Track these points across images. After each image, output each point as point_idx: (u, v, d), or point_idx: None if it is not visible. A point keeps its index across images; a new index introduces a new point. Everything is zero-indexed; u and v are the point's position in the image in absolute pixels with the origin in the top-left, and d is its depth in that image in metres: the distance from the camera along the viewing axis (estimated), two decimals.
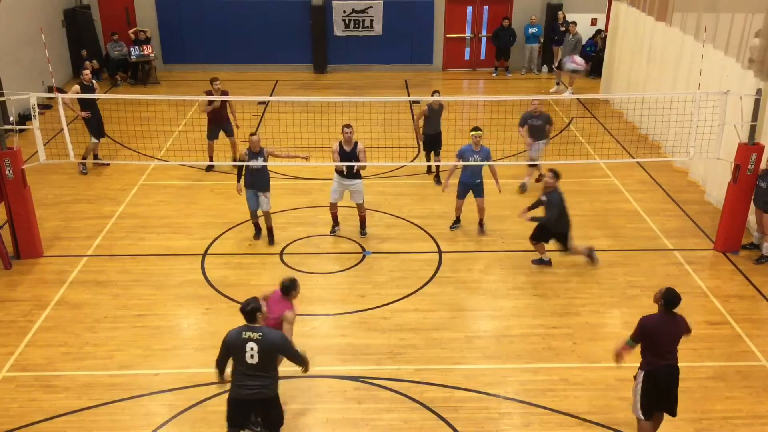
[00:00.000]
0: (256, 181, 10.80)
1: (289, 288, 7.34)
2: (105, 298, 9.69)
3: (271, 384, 6.47)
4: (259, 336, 6.29)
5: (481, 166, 11.25)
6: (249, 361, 6.27)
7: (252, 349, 6.25)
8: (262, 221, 11.27)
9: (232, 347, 6.38)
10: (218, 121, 13.81)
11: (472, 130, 11.18)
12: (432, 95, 13.07)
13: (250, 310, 6.38)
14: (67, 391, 7.95)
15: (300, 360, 6.76)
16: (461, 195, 11.38)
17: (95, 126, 13.61)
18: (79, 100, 13.13)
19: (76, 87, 13.14)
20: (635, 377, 6.90)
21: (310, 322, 9.26)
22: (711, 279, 10.23)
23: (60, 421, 7.52)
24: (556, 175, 10.07)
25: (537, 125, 12.81)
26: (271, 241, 11.17)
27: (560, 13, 20.04)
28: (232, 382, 6.48)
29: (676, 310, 6.71)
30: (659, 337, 6.67)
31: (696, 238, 11.35)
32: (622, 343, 6.92)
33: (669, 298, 6.65)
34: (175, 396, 7.92)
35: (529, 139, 12.95)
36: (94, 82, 13.73)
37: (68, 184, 13.29)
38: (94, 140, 13.61)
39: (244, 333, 6.32)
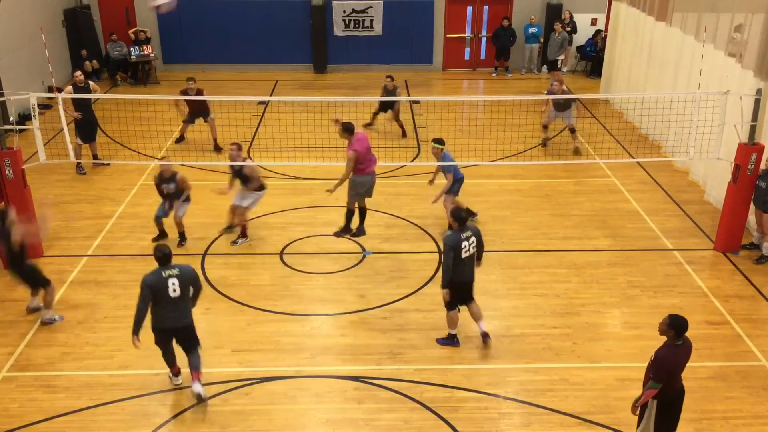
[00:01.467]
0: (171, 200, 10.96)
1: (353, 128, 9.72)
2: (105, 298, 9.69)
3: (189, 312, 7.59)
4: (177, 272, 7.34)
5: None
6: (172, 295, 7.30)
7: (174, 284, 7.28)
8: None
9: (155, 288, 7.26)
10: (195, 111, 14.75)
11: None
12: (386, 78, 15.30)
13: (168, 253, 7.39)
14: (67, 391, 7.95)
15: (199, 294, 7.78)
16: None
17: (83, 128, 13.56)
18: (73, 101, 13.11)
19: (69, 88, 13.14)
20: (643, 406, 6.61)
21: (310, 321, 9.26)
22: (711, 279, 10.23)
23: (60, 421, 7.52)
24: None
25: (559, 102, 13.86)
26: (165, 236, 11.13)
27: (566, 12, 20.03)
28: (154, 316, 7.41)
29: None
30: (676, 369, 6.44)
31: (696, 238, 11.35)
32: (644, 391, 6.49)
33: (678, 325, 6.30)
34: (175, 396, 7.92)
35: (553, 111, 14.48)
36: (90, 83, 13.70)
37: (68, 184, 13.29)
38: (78, 141, 13.55)
39: (163, 272, 7.31)
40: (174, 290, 7.30)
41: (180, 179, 10.85)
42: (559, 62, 18.72)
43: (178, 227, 11.08)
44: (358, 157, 9.99)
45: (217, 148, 14.94)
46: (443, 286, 8.32)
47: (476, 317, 8.68)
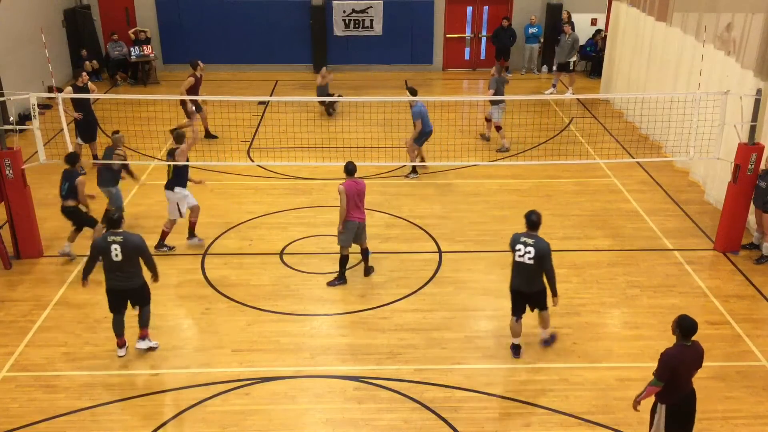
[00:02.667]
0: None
1: (354, 170, 9.66)
2: (105, 298, 9.65)
3: (136, 277, 8.14)
4: (121, 239, 7.89)
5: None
6: (114, 259, 7.91)
7: (116, 249, 7.87)
8: None
9: (99, 250, 7.99)
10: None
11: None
12: (321, 69, 17.02)
13: (117, 218, 7.97)
14: (67, 391, 7.95)
15: (152, 263, 8.26)
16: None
17: (83, 128, 13.56)
18: (73, 101, 13.10)
19: (69, 88, 13.13)
20: (653, 410, 6.60)
21: (310, 321, 9.26)
22: (711, 279, 10.23)
23: (60, 421, 7.52)
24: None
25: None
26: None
27: (565, 12, 20.03)
28: (105, 278, 8.11)
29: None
30: (682, 369, 6.29)
31: (696, 238, 11.35)
32: (646, 387, 6.44)
33: (685, 327, 6.22)
34: (175, 396, 7.92)
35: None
36: (89, 83, 13.71)
37: None
38: (79, 141, 13.56)
39: (108, 237, 7.91)
40: (116, 255, 7.90)
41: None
42: (571, 64, 18.67)
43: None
44: (345, 197, 9.50)
45: (210, 136, 15.35)
46: None
47: (540, 324, 8.58)
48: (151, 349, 8.58)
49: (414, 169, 13.56)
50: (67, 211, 10.46)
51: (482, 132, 15.65)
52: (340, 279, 10.06)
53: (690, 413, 6.56)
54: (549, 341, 8.70)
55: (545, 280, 8.13)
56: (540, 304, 8.33)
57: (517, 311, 8.35)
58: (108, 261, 7.98)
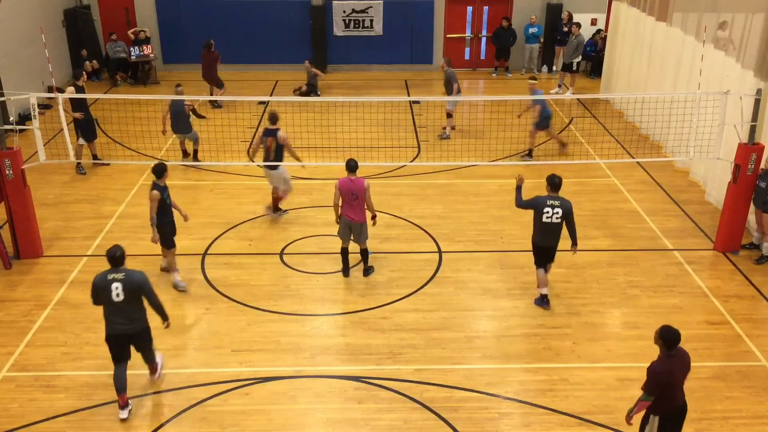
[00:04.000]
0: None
1: (354, 167, 9.72)
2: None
3: (139, 319, 7.40)
4: (122, 276, 7.19)
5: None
6: (115, 299, 7.18)
7: (117, 288, 7.15)
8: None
9: (99, 289, 7.23)
10: (211, 76, 17.53)
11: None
12: (306, 62, 18.46)
13: (119, 256, 7.25)
14: (67, 391, 7.95)
15: (157, 303, 7.48)
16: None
17: (85, 127, 13.57)
18: (72, 101, 13.10)
19: (71, 89, 13.13)
20: (644, 421, 6.56)
21: (310, 321, 9.26)
22: (711, 279, 10.23)
23: (60, 421, 7.52)
24: (552, 184, 9.27)
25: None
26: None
27: (565, 12, 20.02)
28: (105, 321, 7.37)
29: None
30: (671, 381, 6.23)
31: (696, 238, 11.35)
32: (636, 403, 6.38)
33: (667, 337, 6.15)
34: (175, 396, 7.92)
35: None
36: (84, 83, 13.71)
37: (68, 184, 13.28)
38: (81, 141, 13.57)
39: (109, 275, 7.21)
40: (117, 294, 7.16)
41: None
42: (575, 65, 18.65)
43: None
44: (337, 192, 9.77)
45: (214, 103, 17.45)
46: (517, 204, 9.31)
47: (542, 282, 9.53)
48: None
49: (530, 153, 14.40)
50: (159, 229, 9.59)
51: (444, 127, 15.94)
52: (344, 272, 10.21)
53: (681, 424, 6.54)
54: (545, 300, 9.56)
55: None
56: (553, 255, 9.52)
57: (542, 263, 9.48)
58: (108, 302, 7.24)
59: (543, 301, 9.52)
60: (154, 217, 9.39)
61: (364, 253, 10.22)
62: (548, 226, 9.14)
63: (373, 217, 10.01)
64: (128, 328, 7.35)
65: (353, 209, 9.78)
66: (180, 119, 13.62)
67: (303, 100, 16.72)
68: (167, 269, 10.01)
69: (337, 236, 10.12)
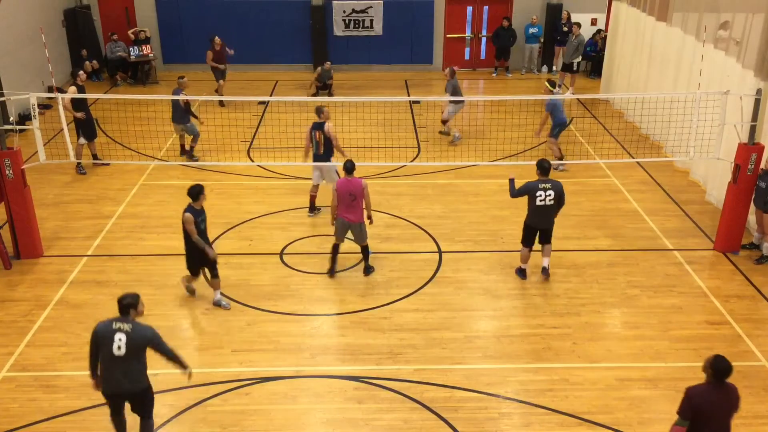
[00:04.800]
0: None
1: (351, 168, 9.63)
2: (105, 298, 9.68)
3: (139, 379, 6.56)
4: (129, 328, 6.38)
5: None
6: (116, 352, 6.34)
7: (120, 340, 6.33)
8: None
9: (100, 338, 6.42)
10: (219, 67, 17.65)
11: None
12: (323, 64, 18.71)
13: (126, 304, 6.46)
14: (67, 391, 7.95)
15: (172, 356, 6.68)
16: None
17: (86, 126, 13.58)
18: (73, 100, 13.10)
19: (73, 88, 13.13)
20: None
21: (310, 321, 9.26)
22: (711, 279, 10.23)
23: (60, 421, 7.52)
24: (541, 169, 9.85)
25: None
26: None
27: (565, 12, 20.02)
28: (102, 376, 6.54)
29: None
30: (711, 413, 5.77)
31: (696, 238, 11.35)
32: (671, 429, 6.00)
33: (719, 368, 5.75)
34: (175, 396, 7.91)
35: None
36: (84, 82, 13.72)
37: (68, 184, 13.29)
38: (82, 140, 13.57)
39: (114, 324, 6.40)
40: (119, 347, 6.32)
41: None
42: (575, 65, 18.64)
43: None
44: (335, 194, 9.79)
45: (222, 104, 17.75)
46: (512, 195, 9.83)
47: (545, 254, 10.08)
48: None
49: (562, 158, 14.30)
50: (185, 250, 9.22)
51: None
52: (330, 272, 10.24)
53: None
54: (548, 270, 10.08)
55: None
56: (549, 237, 10.01)
57: (529, 243, 10.01)
58: (107, 354, 6.37)
59: (521, 273, 10.15)
60: (199, 239, 8.90)
61: (365, 251, 10.24)
62: (541, 209, 9.65)
63: (369, 217, 9.99)
64: (126, 388, 6.52)
65: (351, 210, 9.80)
66: (176, 109, 13.79)
67: (303, 100, 16.71)
68: (187, 285, 9.60)
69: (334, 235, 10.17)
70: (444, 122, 15.47)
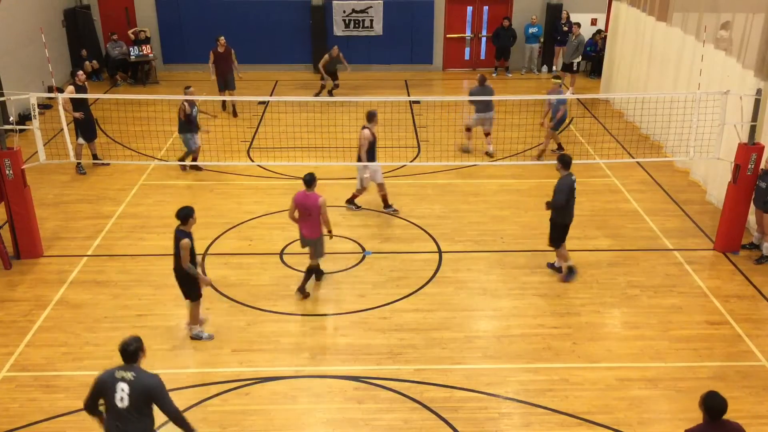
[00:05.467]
0: (196, 126, 13.40)
1: (310, 181, 9.16)
2: (105, 298, 9.69)
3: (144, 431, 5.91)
4: (132, 376, 5.78)
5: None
6: (118, 404, 5.74)
7: (122, 390, 5.74)
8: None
9: (101, 385, 5.84)
10: (223, 73, 16.64)
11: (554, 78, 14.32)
12: (331, 50, 17.99)
13: (132, 350, 5.86)
14: (67, 391, 7.95)
15: (175, 414, 6.00)
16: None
17: (85, 127, 13.57)
18: (72, 100, 13.10)
19: (71, 88, 13.13)
20: None
21: (310, 322, 9.26)
22: (711, 279, 10.23)
23: (60, 421, 7.51)
24: (563, 162, 9.73)
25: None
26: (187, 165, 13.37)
27: (564, 12, 20.03)
28: (104, 426, 5.96)
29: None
30: None
31: (696, 238, 11.34)
32: None
33: (711, 406, 5.48)
34: (175, 396, 7.82)
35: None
36: (85, 82, 13.70)
37: (68, 184, 13.28)
38: (80, 140, 13.56)
39: (117, 372, 5.82)
40: (121, 398, 5.73)
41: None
42: (575, 65, 18.63)
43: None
44: (293, 204, 9.44)
45: (234, 114, 17.14)
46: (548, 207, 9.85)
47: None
48: None
49: (560, 147, 14.54)
50: (176, 276, 8.67)
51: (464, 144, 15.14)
52: (300, 289, 9.73)
53: None
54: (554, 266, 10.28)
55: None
56: None
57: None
58: (109, 404, 5.80)
59: (571, 272, 10.08)
60: (191, 266, 8.41)
61: (309, 273, 9.69)
62: (572, 203, 9.80)
63: (329, 232, 9.52)
64: None
65: (306, 225, 9.40)
66: (180, 119, 13.63)
67: (303, 100, 16.73)
68: (191, 326, 8.88)
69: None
70: (468, 129, 14.86)
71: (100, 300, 9.67)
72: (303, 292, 9.65)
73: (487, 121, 14.47)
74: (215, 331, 9.05)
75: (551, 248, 10.18)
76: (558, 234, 9.96)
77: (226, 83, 16.82)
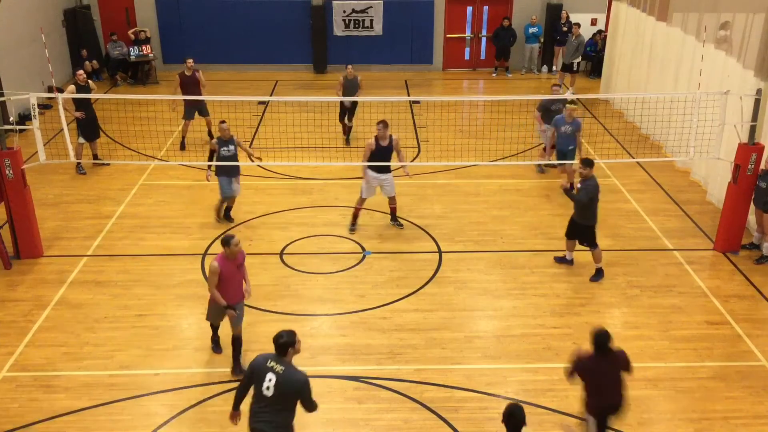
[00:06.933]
0: (230, 167, 11.29)
1: (224, 242, 7.73)
2: (105, 298, 9.69)
3: (284, 423, 6.07)
4: (282, 370, 5.94)
5: (573, 134, 12.35)
6: (265, 392, 5.94)
7: (270, 380, 5.92)
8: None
9: (254, 371, 6.03)
10: (193, 100, 14.37)
11: (568, 103, 12.80)
12: (346, 68, 14.80)
13: (282, 343, 5.99)
14: (67, 391, 7.95)
15: (312, 411, 6.24)
16: (558, 158, 12.57)
17: (86, 126, 13.56)
18: (74, 100, 13.09)
19: (72, 87, 13.12)
20: (585, 420, 6.81)
21: (310, 322, 9.26)
22: (711, 279, 10.23)
23: (60, 421, 7.51)
24: (588, 164, 9.86)
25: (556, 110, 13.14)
26: (228, 217, 11.81)
27: (563, 12, 20.03)
28: (249, 412, 6.12)
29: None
30: (596, 379, 6.51)
31: (696, 238, 11.35)
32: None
33: (596, 340, 6.44)
34: (175, 396, 7.91)
35: (543, 125, 13.62)
36: (90, 82, 13.69)
37: (68, 184, 13.28)
38: (81, 140, 13.54)
39: (269, 361, 6.00)
40: (267, 387, 5.92)
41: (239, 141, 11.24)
42: (575, 65, 18.62)
43: (230, 203, 11.74)
44: (218, 272, 7.73)
45: (211, 136, 15.14)
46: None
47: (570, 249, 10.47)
48: None
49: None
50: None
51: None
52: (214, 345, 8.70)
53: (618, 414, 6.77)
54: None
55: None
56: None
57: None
58: (257, 389, 5.97)
59: (600, 274, 10.15)
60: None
61: (236, 343, 8.18)
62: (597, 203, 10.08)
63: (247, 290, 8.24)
64: (267, 428, 6.00)
65: (229, 292, 7.94)
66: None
67: (303, 100, 16.73)
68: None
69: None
70: (545, 149, 13.68)
71: (100, 300, 9.67)
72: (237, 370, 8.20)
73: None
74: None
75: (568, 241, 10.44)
76: (590, 237, 10.06)
77: (194, 108, 14.75)
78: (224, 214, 11.79)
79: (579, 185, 10.07)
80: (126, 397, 7.86)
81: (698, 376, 8.20)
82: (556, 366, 8.41)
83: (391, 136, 11.04)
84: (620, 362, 6.60)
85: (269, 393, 5.92)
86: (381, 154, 11.04)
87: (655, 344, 8.78)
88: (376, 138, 10.99)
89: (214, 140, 11.30)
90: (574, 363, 6.59)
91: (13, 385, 8.06)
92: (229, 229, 11.56)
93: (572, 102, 13.51)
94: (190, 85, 14.48)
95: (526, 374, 8.29)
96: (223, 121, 11.22)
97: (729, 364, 8.45)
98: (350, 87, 14.69)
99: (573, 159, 12.30)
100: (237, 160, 11.39)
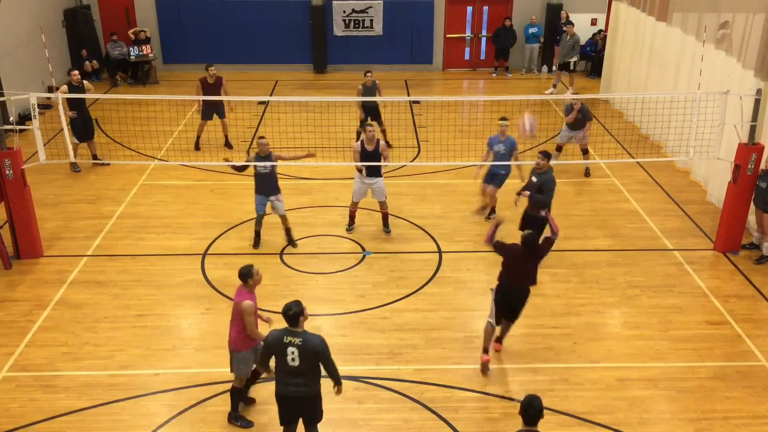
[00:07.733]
0: (264, 185, 10.71)
1: (245, 275, 7.21)
2: (105, 298, 9.69)
3: (313, 384, 6.54)
4: (300, 341, 6.31)
5: (508, 156, 11.50)
6: (291, 363, 6.36)
7: (293, 353, 6.31)
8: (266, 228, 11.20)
9: (273, 348, 6.43)
10: (212, 102, 14.24)
11: (499, 119, 11.63)
12: (365, 75, 14.34)
13: (293, 314, 6.30)
14: (67, 391, 7.95)
15: (333, 369, 6.57)
16: (486, 180, 11.69)
17: (78, 127, 13.54)
18: (68, 99, 13.06)
19: (64, 87, 13.09)
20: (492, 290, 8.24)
21: (310, 322, 9.22)
22: (711, 279, 10.23)
23: (60, 421, 7.52)
24: (547, 156, 10.11)
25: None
26: (291, 242, 11.03)
27: (563, 12, 20.04)
28: (276, 379, 6.55)
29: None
30: (510, 265, 8.08)
31: (696, 238, 11.35)
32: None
33: (525, 240, 8.02)
34: (175, 396, 7.91)
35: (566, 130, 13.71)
36: (85, 82, 13.65)
37: (68, 184, 13.28)
38: (74, 140, 13.50)
39: (285, 337, 6.32)
40: (292, 359, 6.35)
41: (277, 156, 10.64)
42: (571, 64, 18.63)
43: (284, 224, 10.94)
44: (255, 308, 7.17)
45: (228, 145, 14.99)
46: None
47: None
48: None
49: (558, 148, 13.97)
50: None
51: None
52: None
53: (511, 302, 8.18)
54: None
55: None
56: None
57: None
58: (282, 365, 6.42)
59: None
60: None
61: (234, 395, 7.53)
62: None
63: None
64: (301, 392, 6.47)
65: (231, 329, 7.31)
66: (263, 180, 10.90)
67: (303, 100, 16.72)
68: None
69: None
70: (558, 148, 13.78)
71: (100, 300, 9.67)
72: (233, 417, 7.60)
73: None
74: (215, 331, 9.03)
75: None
76: (544, 228, 9.21)
77: (213, 109, 14.65)
78: (286, 237, 11.02)
79: (534, 179, 10.15)
80: (126, 397, 7.86)
81: (698, 376, 8.20)
82: (556, 366, 8.42)
83: (378, 140, 10.97)
84: (537, 257, 8.06)
85: (296, 363, 6.35)
86: (367, 159, 10.87)
87: (655, 344, 8.79)
88: (362, 143, 10.91)
89: (252, 156, 10.74)
90: (498, 244, 8.17)
91: (13, 385, 8.06)
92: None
93: (503, 119, 11.64)
94: (211, 93, 14.28)
95: (526, 374, 8.29)
96: (262, 137, 10.61)
97: (729, 364, 8.45)
98: (369, 95, 14.29)
99: (499, 185, 11.61)
100: (275, 178, 10.76)
